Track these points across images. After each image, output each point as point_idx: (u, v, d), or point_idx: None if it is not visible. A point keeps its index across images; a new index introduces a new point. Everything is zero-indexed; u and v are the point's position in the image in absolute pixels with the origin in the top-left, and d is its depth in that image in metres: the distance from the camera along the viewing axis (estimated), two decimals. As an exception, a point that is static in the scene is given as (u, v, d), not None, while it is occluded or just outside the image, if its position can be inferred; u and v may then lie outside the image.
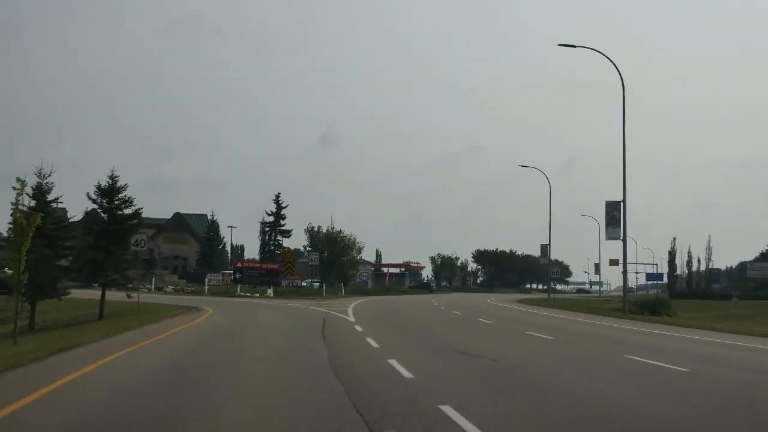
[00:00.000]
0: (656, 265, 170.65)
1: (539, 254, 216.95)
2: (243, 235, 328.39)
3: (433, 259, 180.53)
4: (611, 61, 55.46)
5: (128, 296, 45.53)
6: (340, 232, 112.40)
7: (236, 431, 10.21)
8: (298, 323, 34.28)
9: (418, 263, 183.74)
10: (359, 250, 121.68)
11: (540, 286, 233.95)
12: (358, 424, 10.38)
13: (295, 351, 20.93)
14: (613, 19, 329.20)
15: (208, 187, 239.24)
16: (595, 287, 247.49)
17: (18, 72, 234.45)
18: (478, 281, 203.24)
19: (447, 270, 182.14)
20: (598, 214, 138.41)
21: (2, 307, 45.42)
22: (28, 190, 32.46)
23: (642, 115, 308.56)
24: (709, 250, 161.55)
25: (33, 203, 36.86)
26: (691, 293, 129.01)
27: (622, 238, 59.87)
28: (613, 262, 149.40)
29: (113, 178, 43.49)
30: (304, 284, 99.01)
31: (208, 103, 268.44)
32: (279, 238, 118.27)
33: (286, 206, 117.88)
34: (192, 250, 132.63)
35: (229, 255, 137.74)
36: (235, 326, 30.99)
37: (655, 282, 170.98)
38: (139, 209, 45.02)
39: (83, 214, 48.91)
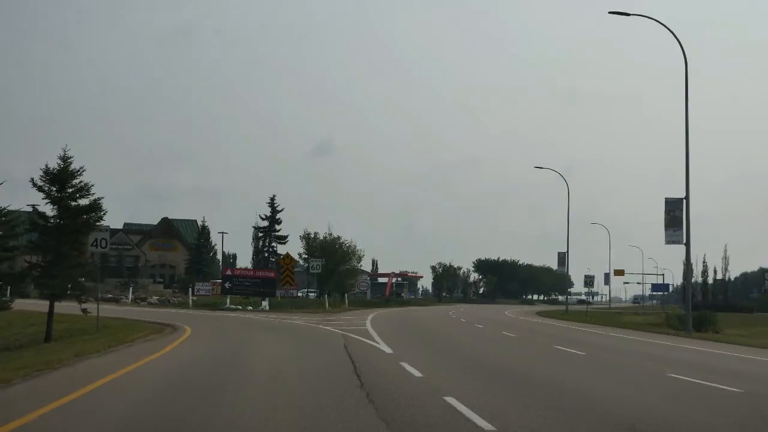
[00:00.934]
0: (662, 275, 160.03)
1: (541, 264, 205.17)
2: (236, 244, 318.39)
3: (434, 268, 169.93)
4: (668, 29, 46.31)
5: (84, 311, 34.60)
6: (339, 238, 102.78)
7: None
8: (315, 358, 22.11)
9: (415, 273, 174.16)
10: (359, 259, 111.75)
11: (541, 297, 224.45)
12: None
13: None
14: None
15: (201, 196, 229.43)
16: (596, 298, 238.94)
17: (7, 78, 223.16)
18: (479, 291, 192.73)
19: (448, 279, 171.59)
20: (595, 224, 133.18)
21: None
22: None
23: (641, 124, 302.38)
24: (725, 259, 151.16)
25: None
26: (709, 305, 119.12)
27: (685, 241, 49.40)
28: (618, 272, 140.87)
29: (65, 159, 32.91)
30: (299, 294, 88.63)
31: (201, 112, 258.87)
32: (274, 244, 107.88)
33: (282, 210, 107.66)
34: (180, 257, 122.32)
35: (220, 263, 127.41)
36: (216, 368, 18.92)
37: (661, 293, 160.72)
38: (99, 199, 33.92)
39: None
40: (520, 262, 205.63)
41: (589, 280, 71.80)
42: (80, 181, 33.39)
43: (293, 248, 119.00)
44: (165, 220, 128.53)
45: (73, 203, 33.53)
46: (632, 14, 48.17)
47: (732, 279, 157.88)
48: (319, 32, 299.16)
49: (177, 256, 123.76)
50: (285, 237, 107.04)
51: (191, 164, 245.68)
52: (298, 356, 22.29)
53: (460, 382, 16.83)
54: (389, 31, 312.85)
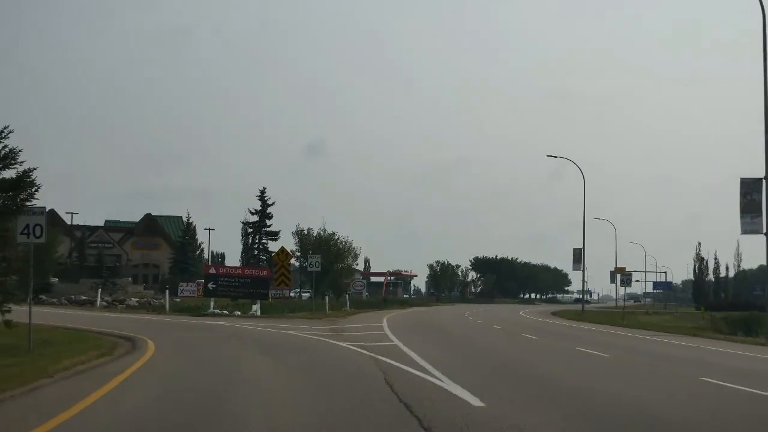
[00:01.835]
0: (664, 273, 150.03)
1: (539, 262, 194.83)
2: (224, 243, 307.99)
3: (431, 266, 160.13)
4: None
5: (7, 324, 24.22)
6: (334, 234, 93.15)
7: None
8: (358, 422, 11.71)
9: (409, 271, 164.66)
10: (355, 256, 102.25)
11: (539, 296, 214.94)
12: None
13: None
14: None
15: (190, 195, 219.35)
16: (593, 296, 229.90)
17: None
18: (477, 290, 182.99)
19: (446, 278, 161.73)
20: (598, 219, 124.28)
21: None
22: None
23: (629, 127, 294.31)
24: (738, 255, 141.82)
25: None
26: (725, 305, 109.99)
27: (766, 231, 39.83)
28: (619, 270, 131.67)
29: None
30: (292, 295, 79.19)
31: (192, 112, 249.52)
32: (264, 240, 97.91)
33: (273, 203, 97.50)
34: (165, 256, 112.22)
35: (209, 262, 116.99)
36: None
37: (661, 291, 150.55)
38: (29, 171, 23.54)
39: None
40: (519, 261, 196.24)
41: (626, 279, 61.73)
42: (3, 146, 23.37)
43: (285, 245, 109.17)
44: (148, 217, 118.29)
45: (-8, 176, 23.43)
46: None
47: (731, 276, 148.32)
48: (313, 32, 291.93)
49: (161, 254, 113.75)
50: (276, 233, 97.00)
51: (181, 164, 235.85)
52: (322, 416, 12.17)
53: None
54: (382, 31, 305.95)
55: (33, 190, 23.73)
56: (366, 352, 23.44)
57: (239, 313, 47.56)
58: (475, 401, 13.48)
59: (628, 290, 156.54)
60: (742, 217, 41.94)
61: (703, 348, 31.64)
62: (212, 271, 49.69)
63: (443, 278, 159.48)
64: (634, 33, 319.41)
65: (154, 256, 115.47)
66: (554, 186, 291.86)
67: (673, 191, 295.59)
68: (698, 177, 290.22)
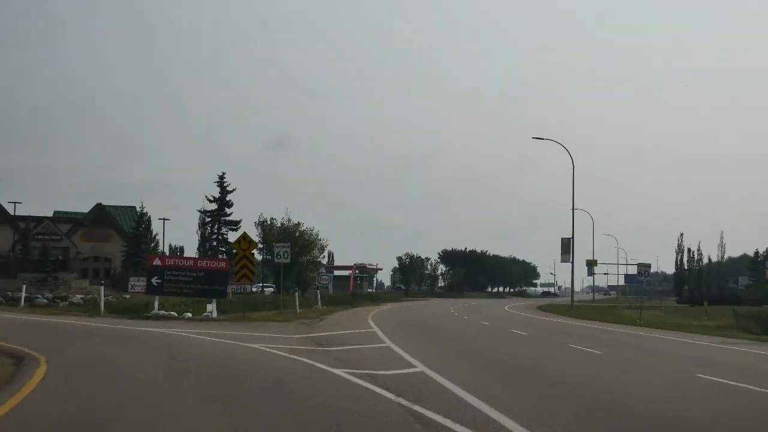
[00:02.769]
0: (649, 264, 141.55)
1: (507, 255, 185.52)
2: (183, 237, 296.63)
3: (400, 259, 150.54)
4: None
5: None
6: (299, 225, 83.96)
7: None
8: None
9: (374, 265, 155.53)
10: (322, 249, 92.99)
11: (508, 290, 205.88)
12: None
13: None
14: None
15: (148, 187, 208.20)
16: (561, 289, 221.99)
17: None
18: (444, 284, 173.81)
19: (414, 272, 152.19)
20: (549, 219, 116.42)
21: None
22: None
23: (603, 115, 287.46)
24: (722, 246, 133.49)
25: None
26: (705, 297, 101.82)
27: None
28: (591, 262, 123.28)
29: None
30: (254, 290, 69.61)
31: (151, 102, 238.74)
32: (224, 230, 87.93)
33: (233, 190, 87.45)
34: (117, 249, 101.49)
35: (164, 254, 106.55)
36: None
37: (635, 284, 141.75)
38: None
39: None
40: (488, 253, 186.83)
41: (644, 271, 52.65)
42: None
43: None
44: (98, 207, 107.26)
45: None
46: None
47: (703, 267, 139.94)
48: (281, 23, 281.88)
49: (113, 247, 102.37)
50: (237, 222, 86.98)
51: (138, 155, 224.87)
52: None
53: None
54: (349, 24, 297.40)
55: None
56: (385, 393, 13.55)
57: (190, 314, 37.36)
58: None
59: (591, 283, 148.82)
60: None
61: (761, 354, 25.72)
62: (157, 263, 38.58)
63: (412, 272, 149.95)
64: (602, 27, 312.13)
65: (106, 249, 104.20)
66: (520, 178, 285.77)
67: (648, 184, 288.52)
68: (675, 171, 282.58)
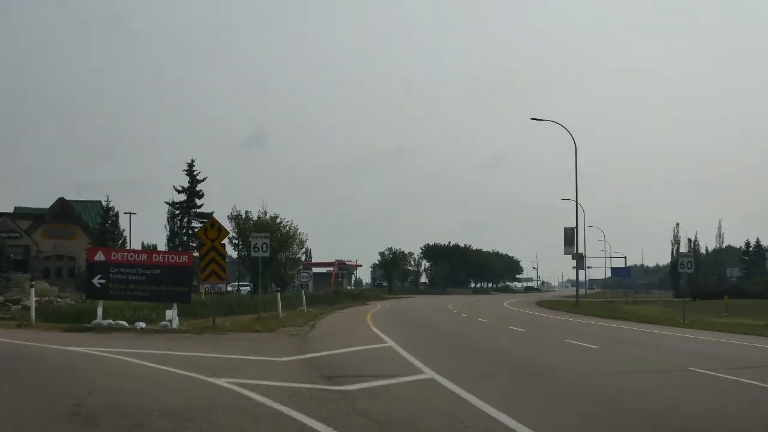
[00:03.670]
0: (624, 257, 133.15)
1: (491, 250, 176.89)
2: (154, 234, 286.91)
3: (382, 254, 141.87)
4: None
5: None
6: (277, 218, 75.62)
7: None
8: None
9: (354, 261, 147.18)
10: (301, 243, 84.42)
11: (491, 285, 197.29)
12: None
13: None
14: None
15: (116, 184, 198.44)
16: (544, 285, 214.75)
17: None
18: (426, 281, 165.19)
19: (397, 268, 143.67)
20: (529, 214, 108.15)
21: None
22: None
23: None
24: (720, 236, 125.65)
25: None
26: (705, 289, 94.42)
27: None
28: (575, 256, 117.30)
29: None
30: (229, 289, 61.21)
31: (120, 99, 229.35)
32: (194, 224, 79.01)
33: (204, 179, 78.46)
34: (81, 246, 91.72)
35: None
36: None
37: (621, 278, 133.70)
38: None
39: None
40: (472, 248, 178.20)
41: (686, 263, 44.18)
42: None
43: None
44: (61, 201, 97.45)
45: None
46: None
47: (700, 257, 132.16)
48: (254, 21, 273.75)
49: (77, 244, 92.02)
50: (209, 215, 77.83)
51: (106, 152, 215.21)
52: None
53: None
54: (322, 21, 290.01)
55: None
56: None
57: (143, 325, 28.40)
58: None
59: (572, 278, 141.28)
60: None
61: None
62: (99, 257, 28.75)
63: (395, 267, 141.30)
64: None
65: (69, 247, 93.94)
66: (493, 173, 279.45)
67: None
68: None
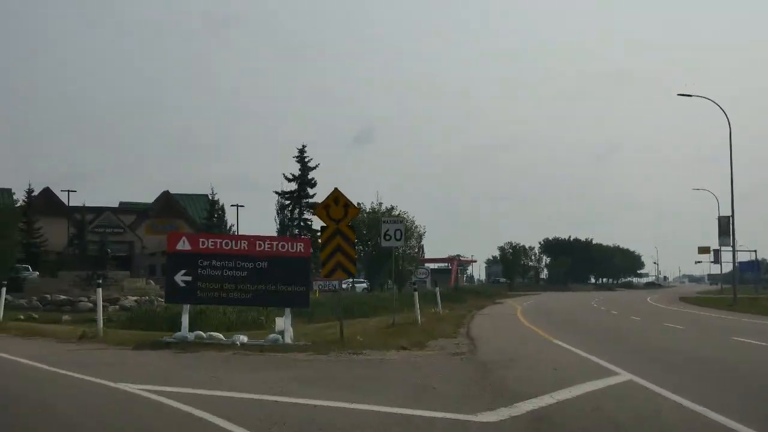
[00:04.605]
0: (755, 251, 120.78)
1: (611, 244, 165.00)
2: (265, 230, 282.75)
3: (502, 249, 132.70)
4: None
5: None
6: (393, 209, 67.55)
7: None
8: None
9: (469, 257, 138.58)
10: (419, 237, 76.51)
11: (613, 281, 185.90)
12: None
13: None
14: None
15: (221, 179, 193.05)
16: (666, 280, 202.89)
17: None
18: (545, 276, 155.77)
19: (516, 263, 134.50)
20: (698, 190, 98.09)
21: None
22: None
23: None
24: None
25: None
26: None
27: None
28: (703, 250, 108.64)
29: None
30: (344, 287, 53.85)
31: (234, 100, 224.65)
32: (306, 215, 71.77)
33: (316, 166, 70.81)
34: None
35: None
36: None
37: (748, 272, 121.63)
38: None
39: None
40: (593, 242, 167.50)
41: None
42: None
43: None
44: (166, 195, 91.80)
45: None
46: None
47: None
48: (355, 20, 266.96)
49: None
50: (323, 205, 70.55)
51: (211, 150, 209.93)
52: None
53: None
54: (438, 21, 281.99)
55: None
56: None
57: (245, 339, 19.77)
58: None
59: (687, 273, 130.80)
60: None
61: None
62: (183, 245, 20.33)
63: (515, 263, 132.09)
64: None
65: None
66: (606, 163, 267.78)
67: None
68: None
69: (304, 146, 71.70)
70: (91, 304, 43.98)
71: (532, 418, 9.83)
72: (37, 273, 65.68)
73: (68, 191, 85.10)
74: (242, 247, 20.56)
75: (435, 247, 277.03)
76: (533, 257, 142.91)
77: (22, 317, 36.52)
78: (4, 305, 44.07)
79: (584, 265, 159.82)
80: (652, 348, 20.71)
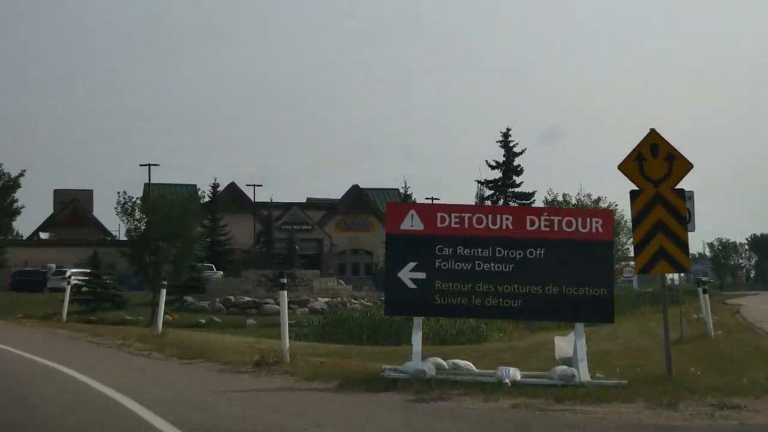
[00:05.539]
0: None
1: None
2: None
3: (711, 245, 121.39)
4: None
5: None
6: (599, 200, 63.65)
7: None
8: None
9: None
10: (629, 232, 67.78)
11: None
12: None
13: None
14: None
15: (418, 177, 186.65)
16: None
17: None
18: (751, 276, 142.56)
19: (726, 260, 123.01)
20: None
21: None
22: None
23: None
24: None
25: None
26: None
27: None
28: None
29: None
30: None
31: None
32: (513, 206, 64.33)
33: (522, 152, 62.90)
34: (378, 239, 79.37)
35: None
36: None
37: None
38: None
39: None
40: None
41: None
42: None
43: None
44: (355, 189, 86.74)
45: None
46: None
47: None
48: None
49: (373, 237, 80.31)
50: (530, 195, 62.19)
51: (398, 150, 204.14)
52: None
53: None
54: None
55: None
56: None
57: (518, 375, 10.90)
58: None
59: None
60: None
61: None
62: (412, 224, 11.98)
63: (725, 260, 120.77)
64: None
65: (365, 240, 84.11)
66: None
67: None
68: None
69: (508, 129, 63.92)
70: (277, 306, 38.52)
71: None
72: (221, 273, 61.44)
73: (254, 185, 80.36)
74: (504, 226, 12.50)
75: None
76: (743, 254, 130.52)
77: (203, 321, 38.00)
78: (187, 309, 43.74)
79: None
80: None
